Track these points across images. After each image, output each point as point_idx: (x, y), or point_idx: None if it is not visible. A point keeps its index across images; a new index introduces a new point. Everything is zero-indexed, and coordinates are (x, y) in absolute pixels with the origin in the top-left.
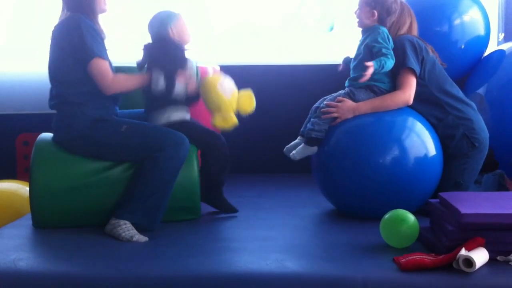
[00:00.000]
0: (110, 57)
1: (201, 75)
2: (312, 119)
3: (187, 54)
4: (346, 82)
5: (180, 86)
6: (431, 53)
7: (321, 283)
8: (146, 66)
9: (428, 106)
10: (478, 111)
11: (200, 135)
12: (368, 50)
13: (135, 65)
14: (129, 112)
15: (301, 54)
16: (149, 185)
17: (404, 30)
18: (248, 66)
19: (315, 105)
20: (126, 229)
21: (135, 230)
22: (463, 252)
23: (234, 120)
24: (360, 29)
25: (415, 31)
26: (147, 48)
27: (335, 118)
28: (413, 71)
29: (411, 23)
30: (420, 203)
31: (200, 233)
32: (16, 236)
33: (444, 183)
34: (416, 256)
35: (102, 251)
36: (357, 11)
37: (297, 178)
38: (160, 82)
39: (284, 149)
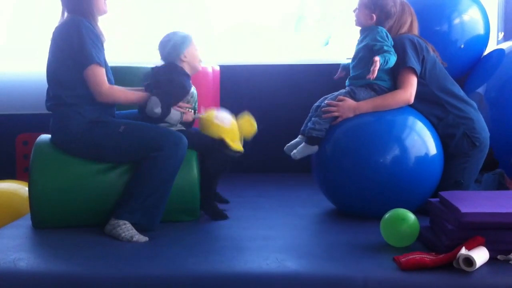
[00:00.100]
0: (110, 57)
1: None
2: (313, 118)
3: (191, 83)
4: (347, 81)
5: (175, 115)
6: (431, 52)
7: (321, 282)
8: (145, 85)
9: (428, 105)
10: (478, 110)
11: (197, 138)
12: (368, 50)
13: (134, 65)
14: (127, 112)
15: (301, 54)
16: (148, 185)
17: (404, 29)
18: (248, 66)
19: (316, 104)
20: (126, 229)
21: (134, 230)
22: (463, 251)
23: (239, 147)
24: (358, 28)
25: (415, 30)
26: (155, 71)
27: (336, 117)
28: (413, 70)
29: (411, 22)
30: (420, 202)
31: (200, 233)
32: (16, 236)
33: (444, 182)
34: (416, 255)
35: (102, 251)
36: (356, 11)
37: (297, 177)
38: (156, 109)
39: (285, 148)
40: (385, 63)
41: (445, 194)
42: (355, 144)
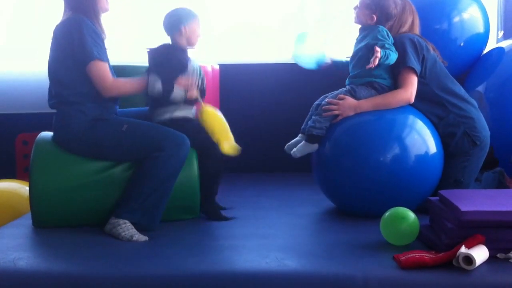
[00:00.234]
0: (110, 57)
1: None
2: (313, 117)
3: (191, 57)
4: (347, 80)
5: (178, 91)
6: (432, 51)
7: (321, 281)
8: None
9: (429, 104)
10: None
11: (199, 137)
12: (368, 49)
13: (135, 64)
14: (129, 110)
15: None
16: (148, 184)
17: (405, 28)
18: (247, 65)
19: (316, 102)
20: (126, 228)
21: (134, 230)
22: (463, 249)
23: (237, 146)
24: (358, 28)
25: (417, 29)
26: (151, 53)
27: (336, 115)
28: (413, 70)
29: (413, 21)
30: (421, 201)
31: (200, 232)
32: (16, 235)
33: (444, 181)
34: (416, 254)
35: (102, 251)
36: (357, 9)
37: (297, 177)
38: (157, 86)
39: (285, 146)
40: (386, 57)
41: (444, 192)
42: (355, 143)
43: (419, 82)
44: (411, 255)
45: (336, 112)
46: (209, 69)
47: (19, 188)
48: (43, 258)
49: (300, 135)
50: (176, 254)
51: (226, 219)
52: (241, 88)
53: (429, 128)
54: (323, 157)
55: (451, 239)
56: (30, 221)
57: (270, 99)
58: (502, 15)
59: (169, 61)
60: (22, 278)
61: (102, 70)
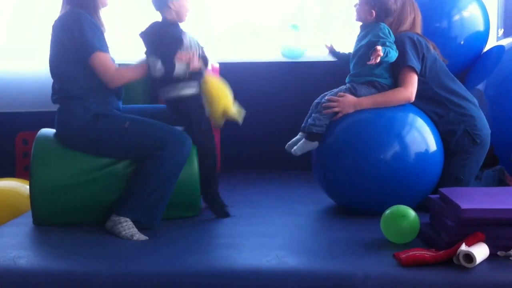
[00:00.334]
0: (111, 54)
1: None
2: (313, 115)
3: (184, 31)
4: (347, 78)
5: (180, 66)
6: (432, 50)
7: (321, 279)
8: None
9: (429, 103)
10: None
11: (198, 118)
12: (369, 47)
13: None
14: (133, 107)
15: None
16: (150, 183)
17: (406, 25)
18: (247, 63)
19: (316, 101)
20: (127, 227)
21: (135, 229)
22: (463, 247)
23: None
24: (358, 27)
25: (418, 27)
26: (143, 35)
27: (336, 113)
28: (413, 69)
29: (414, 19)
30: (421, 199)
31: (200, 230)
32: (16, 234)
33: (444, 179)
34: (417, 252)
35: (102, 249)
36: (357, 6)
37: (297, 175)
38: (158, 67)
39: (286, 146)
40: (385, 54)
41: (445, 190)
42: (355, 141)
43: (419, 80)
44: (411, 253)
45: (336, 109)
46: (209, 67)
47: (19, 186)
48: (43, 257)
49: (300, 133)
50: (176, 252)
51: (228, 215)
52: (241, 87)
53: (429, 126)
54: (323, 155)
55: (452, 237)
56: (30, 220)
57: (270, 98)
58: (502, 13)
59: (163, 38)
60: (22, 276)
61: (104, 61)
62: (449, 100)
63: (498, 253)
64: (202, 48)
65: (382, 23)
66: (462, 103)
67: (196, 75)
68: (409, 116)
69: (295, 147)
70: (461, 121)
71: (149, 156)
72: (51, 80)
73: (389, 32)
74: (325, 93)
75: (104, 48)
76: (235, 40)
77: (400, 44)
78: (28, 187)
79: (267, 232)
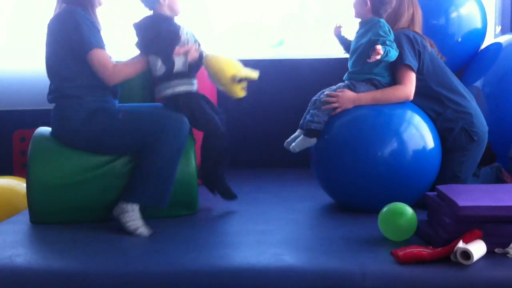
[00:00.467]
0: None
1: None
2: (311, 111)
3: (180, 24)
4: (345, 75)
5: (180, 62)
6: (429, 47)
7: (319, 276)
8: (141, 47)
9: (426, 100)
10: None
11: (202, 115)
12: (370, 46)
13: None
14: (130, 105)
15: (300, 49)
16: (154, 167)
17: (403, 21)
18: (246, 61)
19: (314, 98)
20: (133, 217)
21: (140, 221)
22: (460, 244)
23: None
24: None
25: (418, 23)
26: (137, 27)
27: (335, 108)
28: (410, 67)
29: (413, 15)
30: (419, 196)
31: (198, 228)
32: (13, 232)
33: (442, 176)
34: (414, 249)
35: (100, 247)
36: (354, 1)
37: (295, 172)
38: (159, 66)
39: (285, 143)
40: (385, 54)
41: (442, 187)
42: (353, 138)
43: (416, 78)
44: (409, 250)
45: (335, 105)
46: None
47: (16, 184)
48: (40, 255)
49: (298, 130)
50: (174, 250)
51: (235, 196)
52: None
53: (427, 123)
54: (322, 152)
55: (449, 234)
56: (27, 218)
57: (268, 95)
58: (500, 10)
59: (159, 34)
60: (19, 274)
61: (102, 58)
62: (447, 97)
63: (496, 250)
64: (198, 42)
65: (381, 20)
66: (460, 100)
67: (192, 71)
68: (407, 113)
69: (293, 144)
70: (459, 118)
71: (150, 143)
72: None
73: (389, 30)
74: (323, 90)
75: (101, 45)
76: (235, 39)
77: (396, 42)
78: (25, 185)
79: (265, 229)
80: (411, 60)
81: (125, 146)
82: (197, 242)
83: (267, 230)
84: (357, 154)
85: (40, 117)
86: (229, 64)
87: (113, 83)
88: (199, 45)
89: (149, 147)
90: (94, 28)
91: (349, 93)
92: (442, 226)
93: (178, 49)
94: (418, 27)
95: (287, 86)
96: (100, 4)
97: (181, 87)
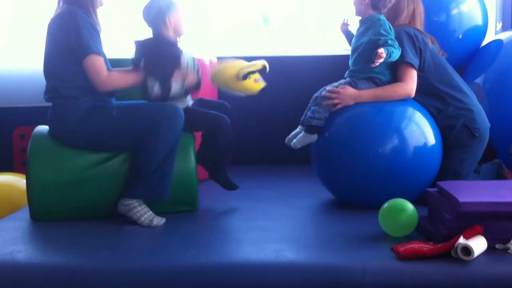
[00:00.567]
0: (106, 51)
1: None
2: (312, 107)
3: (181, 47)
4: (346, 73)
5: (177, 87)
6: (430, 44)
7: (320, 272)
8: (141, 64)
9: (428, 97)
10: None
11: (203, 117)
12: (371, 45)
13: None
14: (128, 103)
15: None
16: (152, 161)
17: (403, 17)
18: (246, 58)
19: (315, 94)
20: (144, 212)
21: (151, 213)
22: (461, 240)
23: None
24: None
25: (419, 20)
26: (139, 45)
27: (336, 104)
28: (412, 65)
29: (413, 11)
30: (419, 193)
31: (199, 224)
32: (14, 228)
33: (443, 173)
34: (415, 245)
35: (100, 243)
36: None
37: (296, 169)
38: (155, 89)
39: (286, 140)
40: (388, 55)
41: (443, 184)
42: (354, 135)
43: (417, 75)
44: (409, 246)
45: (336, 101)
46: (207, 62)
47: (17, 181)
48: (41, 251)
49: (299, 126)
50: (175, 246)
51: (236, 187)
52: None
53: (428, 120)
54: (322, 148)
55: (450, 230)
56: (28, 214)
57: (269, 92)
58: (501, 7)
59: (160, 58)
60: (20, 270)
61: (97, 65)
62: (448, 94)
63: (496, 246)
64: (198, 68)
65: (382, 18)
66: (461, 97)
67: (187, 93)
68: (408, 110)
69: (294, 140)
70: (460, 115)
71: (146, 137)
72: None
73: (389, 28)
74: (325, 87)
75: (99, 50)
76: (235, 36)
77: (397, 40)
78: (25, 181)
79: (265, 225)
80: (412, 57)
81: (123, 142)
82: (197, 238)
83: (268, 226)
84: (358, 151)
85: (41, 115)
86: (228, 67)
87: (104, 91)
88: (198, 71)
89: (146, 141)
90: (94, 32)
91: (350, 90)
92: (443, 222)
93: (176, 74)
94: (419, 23)
95: (288, 83)
96: (101, 4)
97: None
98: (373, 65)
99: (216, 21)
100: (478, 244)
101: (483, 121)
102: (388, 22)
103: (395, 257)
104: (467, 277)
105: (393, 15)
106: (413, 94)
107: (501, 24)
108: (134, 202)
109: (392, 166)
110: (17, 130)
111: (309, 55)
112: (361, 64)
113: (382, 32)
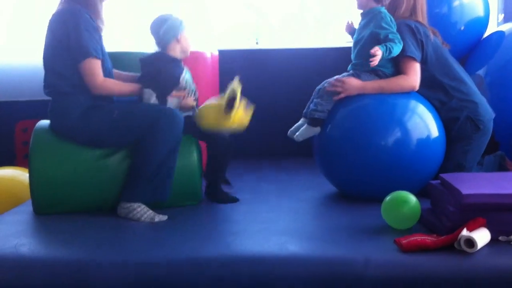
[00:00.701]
0: (106, 45)
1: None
2: (315, 100)
3: (183, 66)
4: (349, 66)
5: (173, 103)
6: (432, 37)
7: (322, 265)
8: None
9: (431, 90)
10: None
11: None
12: (372, 38)
13: (132, 51)
14: (127, 100)
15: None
16: (152, 164)
17: (403, 9)
18: (248, 51)
19: (318, 87)
20: (143, 212)
21: (151, 211)
22: (464, 232)
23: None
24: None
25: (420, 12)
26: (143, 62)
27: (339, 93)
28: (414, 58)
29: (414, 3)
30: (423, 185)
31: (201, 217)
32: (17, 222)
33: (446, 165)
34: (418, 237)
35: (103, 236)
36: None
37: (298, 161)
38: (152, 101)
39: (288, 132)
40: (388, 52)
41: (446, 176)
42: (357, 127)
43: (420, 68)
44: (412, 238)
45: (340, 90)
46: (208, 55)
47: (19, 175)
48: (44, 244)
49: (302, 119)
50: (177, 239)
51: (234, 200)
52: (242, 74)
53: (431, 112)
54: (325, 141)
55: (453, 222)
56: (31, 208)
57: (271, 85)
58: None
59: (162, 74)
60: (24, 264)
61: (94, 68)
62: (451, 87)
63: (500, 238)
64: (194, 90)
65: (383, 10)
66: (465, 89)
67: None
68: (411, 103)
69: (297, 133)
70: (464, 107)
71: (144, 138)
72: None
73: (391, 20)
74: (327, 79)
75: (97, 53)
76: (235, 39)
77: (398, 33)
78: (28, 175)
79: (268, 218)
80: (413, 51)
81: (122, 141)
82: (200, 231)
83: (270, 219)
84: (361, 143)
85: (43, 108)
86: (210, 108)
87: (97, 94)
88: (194, 93)
89: (145, 144)
90: (94, 33)
91: (355, 81)
92: (446, 214)
93: (175, 93)
94: (421, 16)
95: (291, 75)
96: (103, 0)
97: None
98: (372, 65)
99: (216, 21)
100: (481, 236)
101: (487, 112)
102: (389, 15)
103: (398, 249)
104: (470, 269)
105: (393, 7)
106: (417, 87)
107: (503, 15)
108: (134, 205)
109: (395, 159)
110: (19, 124)
111: (311, 48)
112: (363, 57)
113: (383, 25)
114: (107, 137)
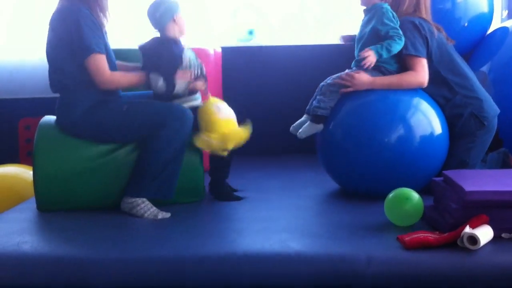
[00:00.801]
0: (110, 43)
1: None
2: (318, 97)
3: (184, 46)
4: (352, 63)
5: (182, 85)
6: (437, 33)
7: (325, 262)
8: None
9: (436, 86)
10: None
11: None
12: (374, 34)
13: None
14: (133, 94)
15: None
16: (158, 161)
17: (406, 5)
18: (250, 48)
19: (322, 84)
20: (147, 208)
21: (155, 208)
22: (467, 229)
23: (215, 145)
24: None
25: (424, 8)
26: (143, 49)
27: (345, 87)
28: (418, 56)
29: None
30: (426, 182)
31: (204, 214)
32: (20, 219)
33: (450, 162)
34: (420, 234)
35: (106, 234)
36: None
37: (301, 158)
38: (160, 85)
39: (291, 128)
40: (386, 51)
41: (449, 173)
42: (360, 124)
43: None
44: (415, 235)
45: (349, 83)
46: (211, 52)
47: (22, 172)
48: (47, 242)
49: (305, 115)
50: (180, 236)
51: (237, 198)
52: (244, 71)
53: (434, 108)
54: (328, 138)
55: (456, 219)
56: (34, 205)
57: (273, 82)
58: None
59: (162, 56)
60: (26, 261)
61: (100, 64)
62: (456, 83)
63: (503, 235)
64: (201, 65)
65: (385, 6)
66: (469, 85)
67: (193, 92)
68: (414, 99)
69: (300, 130)
70: (468, 104)
71: (152, 135)
72: None
73: (393, 16)
74: (331, 76)
75: (101, 49)
76: (234, 39)
77: (402, 30)
78: (31, 172)
79: (270, 215)
80: (418, 48)
81: (127, 137)
82: (202, 228)
83: (273, 216)
84: (364, 140)
85: (45, 105)
86: (206, 129)
87: (106, 89)
88: (202, 67)
89: (152, 141)
90: (95, 28)
91: (365, 76)
92: (449, 211)
93: (181, 73)
94: (425, 12)
95: (293, 72)
96: None
97: (185, 105)
98: (366, 67)
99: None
100: (484, 233)
101: (492, 108)
102: (392, 10)
103: (400, 246)
104: (473, 266)
105: (396, 4)
106: (425, 83)
107: (507, 11)
108: (138, 200)
109: (398, 156)
110: (22, 121)
111: (315, 44)
112: None
113: (385, 21)
114: (112, 132)
